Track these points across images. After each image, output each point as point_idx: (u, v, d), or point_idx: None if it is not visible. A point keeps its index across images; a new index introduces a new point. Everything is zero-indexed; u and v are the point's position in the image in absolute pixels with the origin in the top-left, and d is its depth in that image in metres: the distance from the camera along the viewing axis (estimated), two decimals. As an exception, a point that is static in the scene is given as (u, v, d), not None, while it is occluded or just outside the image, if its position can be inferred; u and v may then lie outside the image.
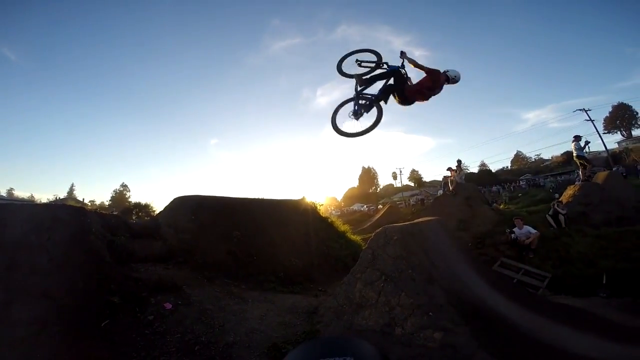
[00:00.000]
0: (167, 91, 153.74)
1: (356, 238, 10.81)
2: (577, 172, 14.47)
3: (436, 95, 4.18)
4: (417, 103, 4.15)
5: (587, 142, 13.12)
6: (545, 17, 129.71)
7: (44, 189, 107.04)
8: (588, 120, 35.61)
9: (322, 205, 12.82)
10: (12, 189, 63.67)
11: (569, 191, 12.35)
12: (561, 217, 10.16)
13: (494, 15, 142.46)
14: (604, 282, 7.11)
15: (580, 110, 36.32)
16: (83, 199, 59.31)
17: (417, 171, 74.43)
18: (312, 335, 4.26)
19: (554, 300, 6.36)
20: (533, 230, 9.12)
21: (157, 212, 14.68)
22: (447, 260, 5.23)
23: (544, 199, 19.72)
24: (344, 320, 4.39)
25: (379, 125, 4.13)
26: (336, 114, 4.36)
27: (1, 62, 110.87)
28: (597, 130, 36.37)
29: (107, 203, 62.29)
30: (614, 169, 24.58)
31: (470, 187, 13.74)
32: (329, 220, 10.91)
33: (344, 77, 4.48)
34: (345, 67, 4.51)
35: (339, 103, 4.41)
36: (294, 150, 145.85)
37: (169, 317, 4.31)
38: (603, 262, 7.92)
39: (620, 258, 7.94)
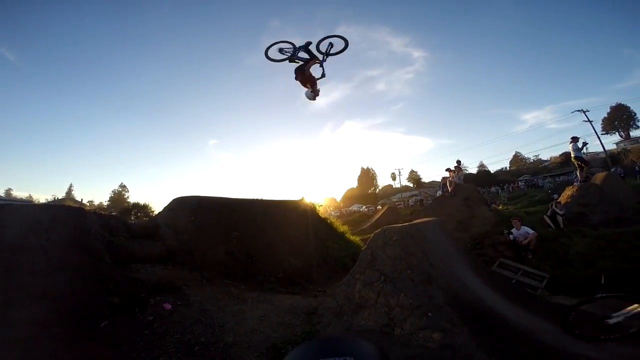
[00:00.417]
0: (166, 91, 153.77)
1: (355, 239, 10.82)
2: (576, 173, 14.51)
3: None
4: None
5: (584, 144, 13.17)
6: (544, 18, 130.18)
7: (42, 189, 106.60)
8: (586, 121, 35.80)
9: (321, 205, 12.84)
10: (10, 189, 63.36)
11: (568, 192, 12.38)
12: (559, 218, 10.19)
13: (492, 16, 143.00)
14: (603, 282, 7.13)
15: (578, 111, 36.52)
16: (81, 200, 59.15)
17: (416, 172, 74.55)
18: (311, 336, 4.26)
19: (553, 300, 6.38)
20: (531, 231, 9.14)
21: (155, 212, 14.68)
22: (446, 260, 5.24)
23: (543, 199, 19.80)
24: (344, 320, 4.40)
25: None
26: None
27: (0, 63, 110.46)
28: (596, 131, 36.60)
29: (105, 203, 62.06)
30: (612, 169, 24.70)
31: (469, 188, 13.74)
32: (328, 220, 10.92)
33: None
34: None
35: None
36: (292, 151, 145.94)
37: (168, 317, 4.31)
38: (601, 262, 7.96)
39: (618, 258, 7.97)
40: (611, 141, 58.01)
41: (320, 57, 4.49)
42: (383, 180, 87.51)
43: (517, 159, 73.01)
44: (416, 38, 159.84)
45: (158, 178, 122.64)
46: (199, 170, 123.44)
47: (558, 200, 12.11)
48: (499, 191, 36.38)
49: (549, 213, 10.73)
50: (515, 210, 15.53)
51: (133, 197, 65.38)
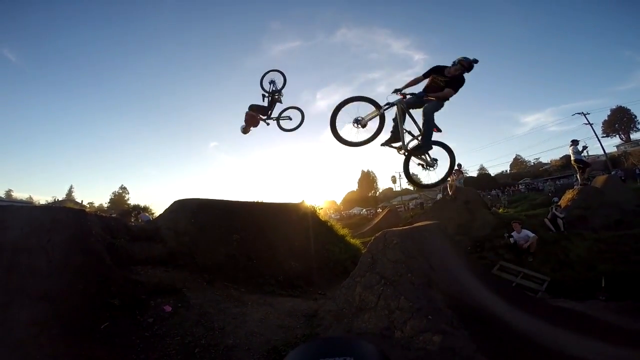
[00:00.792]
0: (166, 93, 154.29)
1: (355, 242, 10.81)
2: (576, 176, 14.51)
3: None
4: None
5: (585, 147, 13.16)
6: (544, 21, 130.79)
7: (42, 191, 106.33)
8: (587, 123, 35.72)
9: (321, 208, 12.83)
10: (10, 190, 63.39)
11: (568, 195, 12.38)
12: (560, 221, 10.18)
13: (493, 19, 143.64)
14: (603, 285, 7.12)
15: (579, 113, 36.39)
16: (82, 201, 59.11)
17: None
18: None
19: (553, 303, 6.35)
20: (531, 234, 9.13)
21: (156, 214, 14.68)
22: (446, 264, 5.24)
23: (543, 202, 19.75)
24: (344, 323, 4.39)
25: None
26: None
27: (1, 63, 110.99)
28: (596, 134, 36.45)
29: (105, 205, 62.06)
30: (612, 172, 24.68)
31: (469, 191, 13.73)
32: (329, 223, 10.90)
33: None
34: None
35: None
36: (293, 154, 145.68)
37: (168, 319, 4.31)
38: (602, 265, 7.95)
39: (619, 261, 7.96)
40: (612, 144, 57.91)
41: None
42: (383, 183, 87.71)
43: (517, 162, 73.00)
44: (417, 40, 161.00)
45: (159, 180, 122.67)
46: (199, 173, 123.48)
47: (558, 204, 12.10)
48: (500, 194, 36.31)
49: (549, 216, 10.72)
50: (515, 214, 15.49)
51: (133, 199, 65.42)
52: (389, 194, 75.27)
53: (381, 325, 4.02)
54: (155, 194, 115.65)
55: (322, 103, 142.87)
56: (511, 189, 41.80)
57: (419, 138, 4.15)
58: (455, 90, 4.00)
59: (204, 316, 4.55)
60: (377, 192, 78.38)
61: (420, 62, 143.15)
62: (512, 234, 9.37)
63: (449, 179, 3.87)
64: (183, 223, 7.12)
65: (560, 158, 51.06)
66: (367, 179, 78.04)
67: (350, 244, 10.17)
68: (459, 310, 4.01)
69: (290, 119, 6.28)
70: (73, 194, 68.53)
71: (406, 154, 4.21)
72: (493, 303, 4.85)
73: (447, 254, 5.73)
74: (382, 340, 3.83)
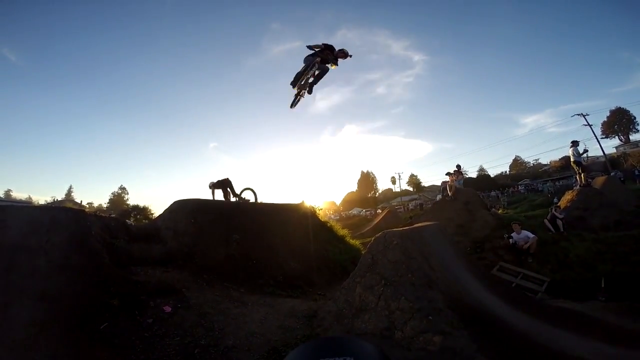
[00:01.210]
0: (166, 93, 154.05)
1: (355, 242, 10.81)
2: (575, 177, 14.54)
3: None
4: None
5: (585, 151, 13.18)
6: (543, 22, 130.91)
7: (41, 191, 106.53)
8: (586, 125, 35.80)
9: (321, 209, 12.84)
10: (9, 190, 63.33)
11: (567, 196, 12.40)
12: (559, 222, 10.19)
13: (492, 20, 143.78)
14: (603, 285, 7.13)
15: (578, 114, 36.47)
16: (81, 201, 59.23)
17: (416, 176, 74.44)
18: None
19: (553, 304, 6.36)
20: (531, 235, 9.14)
21: (155, 215, 14.69)
22: (446, 264, 5.24)
23: (543, 203, 19.80)
24: (344, 324, 4.39)
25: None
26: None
27: (1, 63, 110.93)
28: (595, 135, 36.59)
29: (105, 205, 62.03)
30: (611, 173, 24.75)
31: (469, 192, 13.73)
32: (328, 224, 10.91)
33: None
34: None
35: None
36: (293, 154, 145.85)
37: (168, 320, 4.30)
38: (601, 266, 7.95)
39: (618, 262, 7.97)
40: (611, 145, 58.10)
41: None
42: (383, 184, 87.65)
43: (517, 163, 73.16)
44: (416, 41, 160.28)
45: (158, 180, 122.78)
46: (199, 173, 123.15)
47: (558, 204, 12.11)
48: (499, 195, 36.37)
49: (549, 217, 10.73)
50: (515, 214, 15.51)
51: (133, 200, 65.43)
52: (389, 194, 75.41)
53: (381, 325, 4.02)
54: (154, 195, 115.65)
55: (322, 104, 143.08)
56: (511, 189, 41.90)
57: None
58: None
59: (203, 317, 4.55)
60: (377, 193, 78.43)
61: (419, 63, 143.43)
62: (512, 234, 9.38)
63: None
64: (183, 223, 7.12)
65: (560, 159, 51.17)
66: (367, 179, 78.09)
67: (350, 244, 10.18)
68: (459, 311, 4.01)
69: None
70: (72, 194, 68.58)
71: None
72: (493, 303, 4.85)
73: (447, 255, 5.73)
74: (382, 340, 3.83)
